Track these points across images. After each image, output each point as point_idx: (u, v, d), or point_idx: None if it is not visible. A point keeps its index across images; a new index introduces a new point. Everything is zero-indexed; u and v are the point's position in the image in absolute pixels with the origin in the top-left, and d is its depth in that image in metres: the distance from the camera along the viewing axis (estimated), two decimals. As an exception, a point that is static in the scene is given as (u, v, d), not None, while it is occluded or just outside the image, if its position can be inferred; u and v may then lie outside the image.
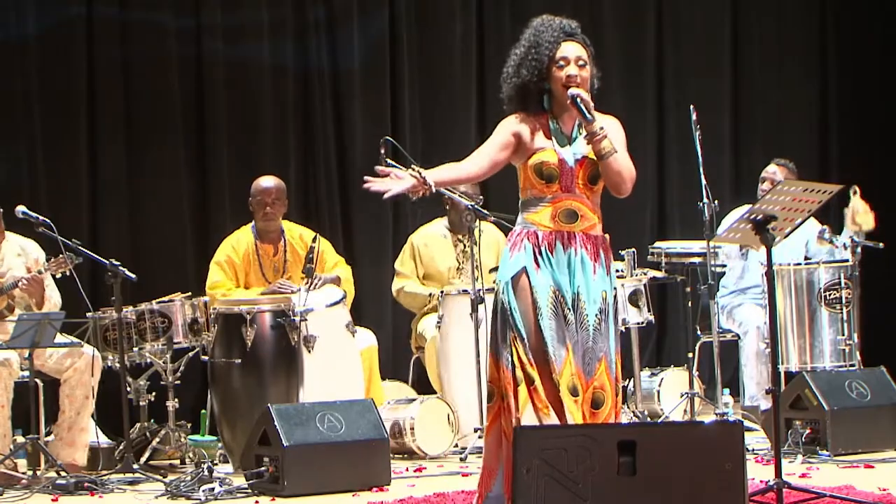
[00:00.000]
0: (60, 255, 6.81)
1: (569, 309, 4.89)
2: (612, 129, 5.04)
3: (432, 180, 4.85)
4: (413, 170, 4.88)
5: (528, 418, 4.78)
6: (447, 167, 5.00)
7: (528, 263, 4.92)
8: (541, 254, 4.94)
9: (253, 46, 8.91)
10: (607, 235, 8.38)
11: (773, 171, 8.21)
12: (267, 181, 7.60)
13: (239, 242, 7.56)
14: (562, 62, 4.97)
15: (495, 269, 6.84)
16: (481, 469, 5.03)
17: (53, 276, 6.96)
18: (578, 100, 4.93)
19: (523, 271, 4.92)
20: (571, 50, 4.99)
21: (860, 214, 7.75)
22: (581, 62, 4.99)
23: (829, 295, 7.74)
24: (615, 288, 5.07)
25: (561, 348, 4.85)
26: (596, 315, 4.92)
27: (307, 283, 7.07)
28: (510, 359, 4.87)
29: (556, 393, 4.80)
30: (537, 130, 5.02)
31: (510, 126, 5.01)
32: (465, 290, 7.44)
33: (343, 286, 7.47)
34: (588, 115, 4.93)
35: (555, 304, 4.88)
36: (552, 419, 4.78)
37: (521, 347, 4.85)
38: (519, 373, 4.84)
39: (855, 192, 7.81)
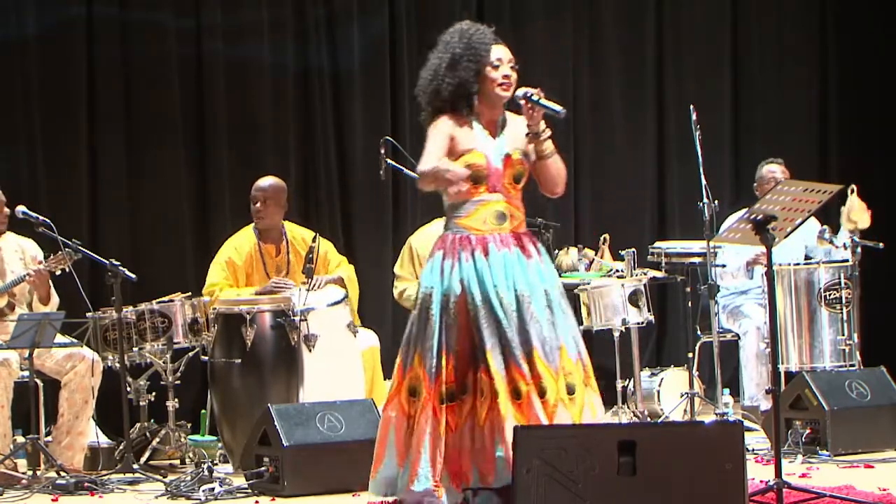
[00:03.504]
0: (60, 252, 6.82)
1: (506, 311, 5.03)
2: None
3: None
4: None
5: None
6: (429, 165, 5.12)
7: (464, 274, 5.08)
8: (474, 259, 5.09)
9: (253, 46, 8.91)
10: (606, 236, 8.50)
11: (773, 170, 8.21)
12: (263, 180, 7.58)
13: (241, 244, 7.54)
14: (497, 62, 5.18)
15: None
16: (376, 442, 5.24)
17: (53, 274, 6.97)
18: (537, 97, 5.10)
19: (460, 283, 5.08)
20: (504, 52, 5.23)
21: (856, 211, 7.75)
22: (512, 64, 5.22)
23: (829, 295, 7.74)
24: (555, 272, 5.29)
25: (498, 356, 5.01)
26: (545, 308, 5.09)
27: (307, 283, 7.07)
28: (434, 369, 5.05)
29: (494, 405, 4.98)
30: (464, 132, 5.18)
31: (445, 129, 5.16)
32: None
33: (347, 285, 7.46)
34: (556, 109, 5.08)
35: (489, 313, 5.04)
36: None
37: (451, 364, 5.06)
38: (442, 389, 5.05)
39: (852, 191, 7.82)
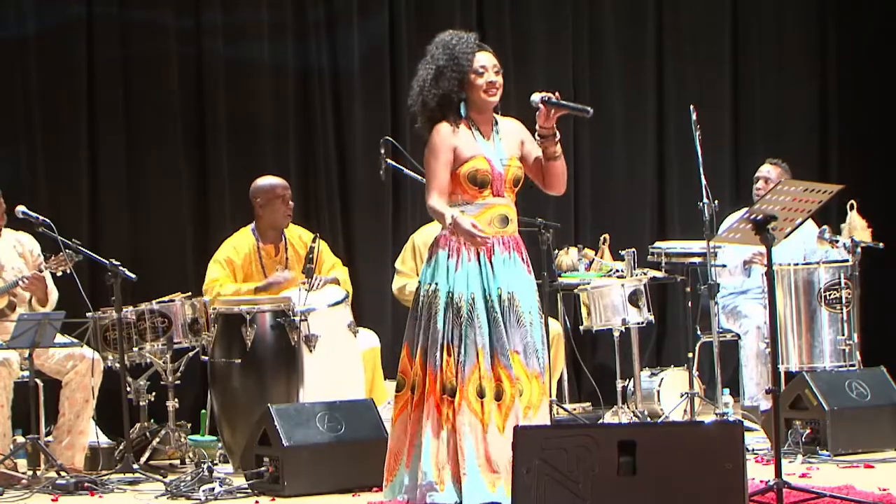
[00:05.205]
0: (61, 253, 6.81)
1: (500, 311, 5.26)
2: (524, 131, 5.46)
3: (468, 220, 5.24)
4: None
5: (432, 424, 5.27)
6: (442, 208, 5.33)
7: (469, 274, 5.29)
8: (479, 260, 5.30)
9: (253, 46, 8.91)
10: (606, 236, 8.50)
11: (767, 170, 8.23)
12: (274, 178, 7.59)
13: (240, 244, 7.53)
14: (481, 69, 5.36)
15: None
16: (387, 454, 5.45)
17: (53, 275, 6.96)
18: (556, 99, 5.31)
19: (464, 283, 5.29)
20: (487, 59, 5.40)
21: (857, 231, 7.77)
22: (496, 69, 5.39)
23: (829, 295, 7.74)
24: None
25: (472, 353, 5.23)
26: (529, 312, 5.33)
27: (307, 283, 7.07)
28: (438, 363, 5.26)
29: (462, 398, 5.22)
30: (465, 138, 5.36)
31: (446, 142, 5.34)
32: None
33: (342, 287, 7.46)
34: (580, 107, 5.35)
35: (487, 310, 5.27)
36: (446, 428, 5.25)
37: (450, 358, 5.25)
38: (442, 381, 5.26)
39: (852, 208, 7.83)
